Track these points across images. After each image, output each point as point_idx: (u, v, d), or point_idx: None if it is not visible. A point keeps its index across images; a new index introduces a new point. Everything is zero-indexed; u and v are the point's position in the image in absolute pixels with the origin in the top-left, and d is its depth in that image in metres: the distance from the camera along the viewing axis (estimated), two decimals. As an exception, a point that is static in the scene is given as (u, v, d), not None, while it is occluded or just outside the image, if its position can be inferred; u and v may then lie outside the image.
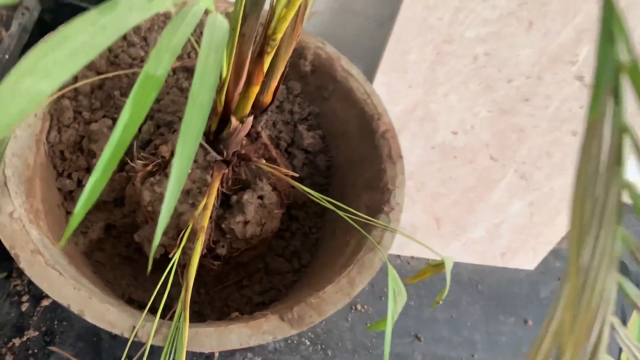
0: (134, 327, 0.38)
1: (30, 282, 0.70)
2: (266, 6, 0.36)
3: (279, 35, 0.35)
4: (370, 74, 0.57)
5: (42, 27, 0.61)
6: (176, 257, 0.41)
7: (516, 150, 0.68)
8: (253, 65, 0.38)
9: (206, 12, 0.28)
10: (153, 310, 0.53)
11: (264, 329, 0.40)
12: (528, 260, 0.88)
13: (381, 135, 0.52)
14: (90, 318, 0.38)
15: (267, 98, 0.44)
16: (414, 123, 0.64)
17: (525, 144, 0.67)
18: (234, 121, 0.43)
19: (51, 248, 0.41)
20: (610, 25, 0.15)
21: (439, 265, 0.53)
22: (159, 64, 0.23)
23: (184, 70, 0.55)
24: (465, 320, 0.85)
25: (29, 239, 0.40)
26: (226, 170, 0.48)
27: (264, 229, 0.52)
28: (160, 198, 0.47)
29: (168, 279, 0.53)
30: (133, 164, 0.48)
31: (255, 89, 0.40)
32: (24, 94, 0.20)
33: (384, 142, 0.52)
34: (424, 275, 0.53)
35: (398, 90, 0.60)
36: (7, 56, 0.55)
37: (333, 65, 0.55)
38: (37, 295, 0.70)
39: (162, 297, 0.51)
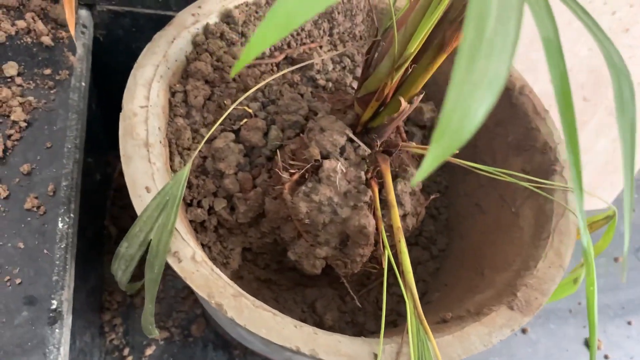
0: (375, 355, 0.33)
1: (126, 333, 0.63)
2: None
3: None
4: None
5: (96, 48, 0.53)
6: (386, 263, 0.36)
7: (608, 86, 0.65)
8: (453, 29, 0.33)
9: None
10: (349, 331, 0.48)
11: (499, 323, 0.36)
12: (604, 197, 0.86)
13: (519, 92, 0.48)
14: (325, 355, 0.32)
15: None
16: (516, 76, 0.60)
17: (618, 77, 0.64)
18: (403, 103, 0.38)
19: (243, 291, 0.35)
20: None
21: (598, 222, 0.50)
22: (546, 26, 0.18)
23: (287, 62, 0.49)
24: (558, 270, 0.83)
25: (224, 283, 0.34)
26: (388, 161, 0.42)
27: (418, 219, 0.47)
28: (318, 207, 0.41)
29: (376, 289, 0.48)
30: (281, 173, 0.42)
31: (442, 58, 0.35)
32: (481, 82, 0.15)
33: (525, 99, 0.48)
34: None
35: (505, 44, 0.56)
36: (83, 83, 0.47)
37: (445, 28, 0.50)
38: (137, 345, 0.63)
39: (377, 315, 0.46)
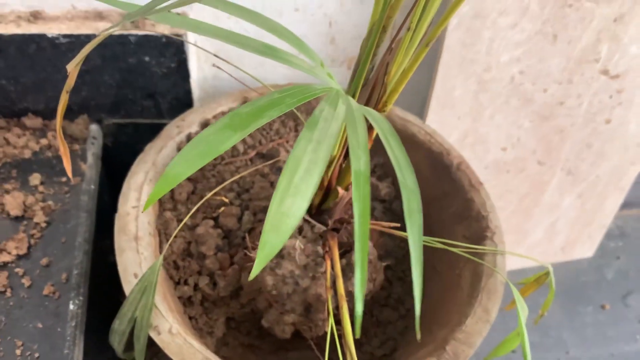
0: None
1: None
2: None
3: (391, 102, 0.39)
4: (417, 115, 0.61)
5: (106, 152, 0.65)
6: (329, 328, 0.44)
7: (560, 150, 0.72)
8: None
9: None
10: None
11: (429, 374, 0.43)
12: (586, 248, 0.91)
13: (457, 168, 0.56)
14: (276, 407, 0.39)
15: (363, 162, 0.48)
16: (467, 149, 0.68)
17: (566, 142, 0.71)
18: (340, 191, 0.47)
19: (212, 355, 0.43)
20: None
21: (540, 278, 0.56)
22: (359, 161, 0.26)
23: (259, 157, 0.58)
24: (548, 321, 0.87)
25: (195, 350, 0.42)
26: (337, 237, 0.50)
27: (375, 284, 0.54)
28: (282, 279, 0.49)
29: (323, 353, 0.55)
30: (249, 254, 0.50)
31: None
32: (289, 213, 0.23)
33: (462, 174, 0.56)
34: (527, 292, 0.55)
35: (449, 124, 0.64)
36: (92, 186, 0.58)
37: (389, 117, 0.59)
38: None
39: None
